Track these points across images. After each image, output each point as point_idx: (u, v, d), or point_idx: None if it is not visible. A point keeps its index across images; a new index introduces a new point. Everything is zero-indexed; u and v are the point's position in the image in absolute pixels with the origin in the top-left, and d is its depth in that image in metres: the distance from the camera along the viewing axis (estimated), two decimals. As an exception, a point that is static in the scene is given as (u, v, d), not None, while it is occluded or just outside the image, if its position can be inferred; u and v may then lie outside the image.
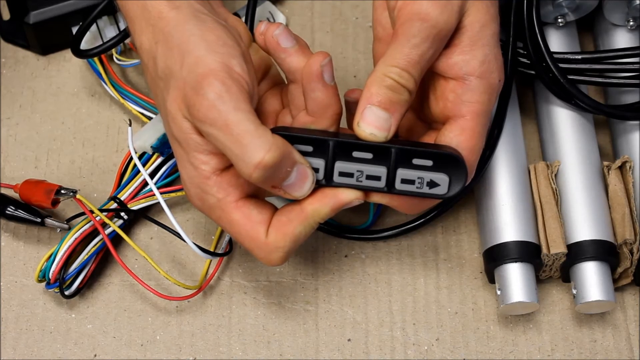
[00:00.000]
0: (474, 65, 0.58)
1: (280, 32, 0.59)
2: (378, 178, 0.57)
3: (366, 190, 0.57)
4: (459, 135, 0.58)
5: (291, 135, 0.57)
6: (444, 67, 0.58)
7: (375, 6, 0.62)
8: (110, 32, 0.72)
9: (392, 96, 0.56)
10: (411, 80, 0.56)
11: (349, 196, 0.57)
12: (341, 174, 0.57)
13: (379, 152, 0.57)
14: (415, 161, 0.57)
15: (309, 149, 0.57)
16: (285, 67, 0.59)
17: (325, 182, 0.57)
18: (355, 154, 0.57)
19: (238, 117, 0.53)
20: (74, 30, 0.72)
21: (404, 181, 0.57)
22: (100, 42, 0.71)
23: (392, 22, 0.59)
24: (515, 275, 0.62)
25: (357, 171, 0.57)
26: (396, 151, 0.56)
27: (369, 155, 0.57)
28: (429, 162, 0.57)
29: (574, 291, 0.63)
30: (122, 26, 0.72)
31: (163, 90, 0.57)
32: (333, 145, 0.56)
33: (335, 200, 0.57)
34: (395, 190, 0.57)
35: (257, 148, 0.53)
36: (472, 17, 0.58)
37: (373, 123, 0.56)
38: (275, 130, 0.56)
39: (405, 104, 0.57)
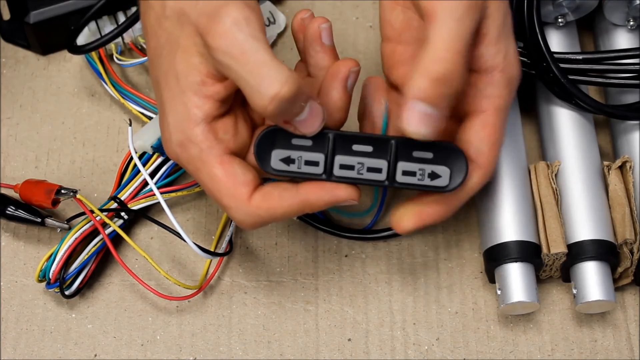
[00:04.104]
0: (499, 58, 0.56)
1: (327, 28, 0.58)
2: (379, 170, 0.57)
3: (367, 184, 0.57)
4: (481, 130, 0.57)
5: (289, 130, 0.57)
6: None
7: (384, 7, 0.61)
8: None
9: (442, 90, 0.53)
10: (462, 63, 0.53)
11: (345, 193, 0.56)
12: (342, 166, 0.57)
13: (379, 144, 0.56)
14: (416, 153, 0.56)
15: (308, 143, 0.57)
16: (313, 61, 0.59)
17: (326, 177, 0.57)
18: (355, 147, 0.57)
19: (255, 46, 0.52)
20: (74, 30, 0.72)
21: (405, 173, 0.57)
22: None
23: (418, 9, 0.56)
24: (516, 275, 0.62)
25: (358, 163, 0.56)
26: (396, 143, 0.56)
27: (369, 148, 0.57)
28: (429, 154, 0.56)
29: (574, 291, 0.63)
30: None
31: (174, 30, 0.55)
32: (333, 138, 0.56)
33: (331, 195, 0.56)
34: (396, 183, 0.57)
35: (273, 80, 0.52)
36: (497, 3, 0.56)
37: (422, 121, 0.54)
38: (271, 128, 0.56)
39: (455, 94, 0.54)
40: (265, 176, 0.58)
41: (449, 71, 0.53)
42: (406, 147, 0.56)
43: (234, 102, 0.57)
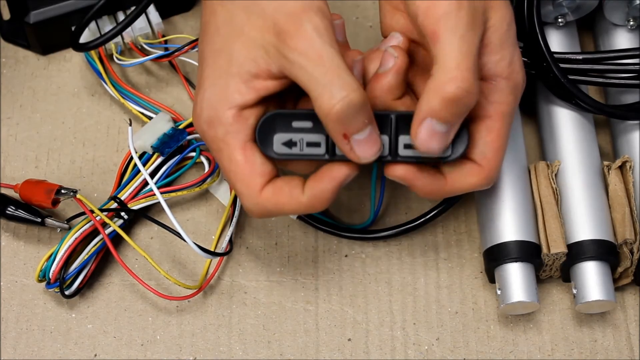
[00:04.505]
0: (503, 66, 0.57)
1: (339, 24, 0.60)
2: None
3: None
4: (486, 135, 0.58)
5: (289, 113, 0.57)
6: None
7: (384, 12, 0.61)
8: (110, 32, 0.72)
9: (455, 109, 0.55)
10: (473, 81, 0.54)
11: (343, 171, 0.57)
12: None
13: (380, 120, 0.57)
14: None
15: (309, 124, 0.57)
16: None
17: (329, 156, 0.57)
18: None
19: (332, 52, 0.54)
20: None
21: (406, 146, 0.57)
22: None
23: (419, 29, 0.56)
24: (516, 275, 0.62)
25: None
26: (396, 118, 0.57)
27: None
28: None
29: (574, 291, 0.63)
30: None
31: (238, 14, 0.56)
32: None
33: (332, 182, 0.57)
34: (399, 157, 0.57)
35: (346, 84, 0.53)
36: (500, 13, 0.57)
37: (433, 137, 0.56)
38: (272, 112, 0.57)
39: (468, 110, 0.55)
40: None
41: (462, 90, 0.54)
42: (406, 120, 0.56)
43: (271, 96, 0.58)
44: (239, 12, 0.56)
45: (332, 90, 0.53)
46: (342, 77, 0.53)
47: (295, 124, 0.57)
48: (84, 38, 0.71)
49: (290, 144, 0.57)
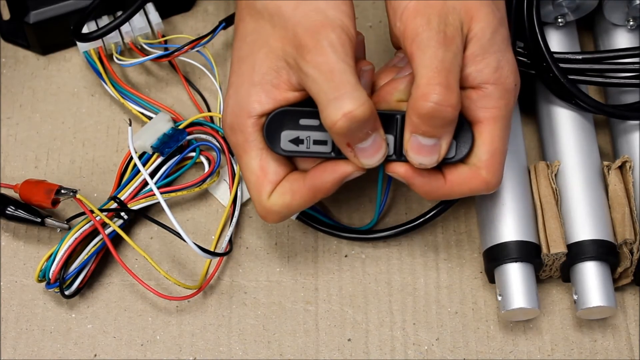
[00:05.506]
0: (487, 73, 0.58)
1: (359, 40, 0.61)
2: (386, 145, 0.58)
3: None
4: (478, 138, 0.58)
5: (296, 110, 0.58)
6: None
7: (393, 24, 0.62)
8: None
9: (434, 122, 0.56)
10: (446, 94, 0.55)
11: (348, 167, 0.58)
12: None
13: (386, 120, 0.58)
14: None
15: (316, 122, 0.58)
16: None
17: (335, 154, 0.58)
18: None
19: (343, 67, 0.55)
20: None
21: None
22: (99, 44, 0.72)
23: (403, 47, 0.58)
24: (516, 277, 0.62)
25: None
26: (402, 118, 0.57)
27: None
28: None
29: (575, 297, 0.63)
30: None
31: (264, 25, 0.58)
32: None
33: (335, 174, 0.58)
34: (403, 157, 0.58)
35: (352, 98, 0.54)
36: (482, 23, 0.57)
37: (420, 152, 0.57)
38: (280, 109, 0.57)
39: (450, 121, 0.56)
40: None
41: (435, 104, 0.55)
42: None
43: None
44: (265, 23, 0.58)
45: (337, 105, 0.54)
46: (350, 92, 0.54)
47: (303, 121, 0.58)
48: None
49: (297, 141, 0.58)
